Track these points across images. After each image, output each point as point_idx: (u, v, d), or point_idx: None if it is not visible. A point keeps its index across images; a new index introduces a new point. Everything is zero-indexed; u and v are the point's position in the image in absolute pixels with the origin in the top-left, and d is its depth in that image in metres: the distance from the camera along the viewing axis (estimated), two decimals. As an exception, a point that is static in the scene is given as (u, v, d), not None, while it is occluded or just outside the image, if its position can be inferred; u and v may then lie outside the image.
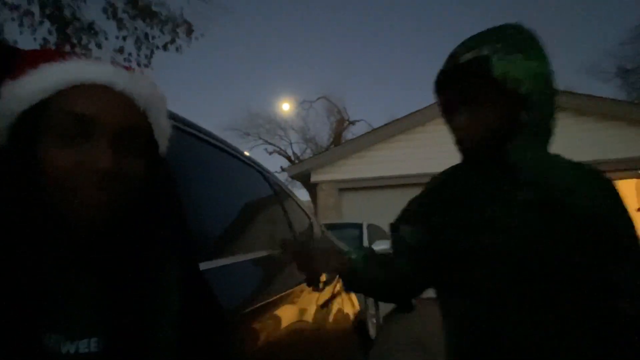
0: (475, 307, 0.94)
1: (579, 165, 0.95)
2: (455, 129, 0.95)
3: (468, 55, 0.89)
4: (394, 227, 1.13)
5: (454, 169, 1.09)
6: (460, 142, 0.95)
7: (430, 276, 1.05)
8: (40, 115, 0.60)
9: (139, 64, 7.43)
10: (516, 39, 0.89)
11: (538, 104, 0.88)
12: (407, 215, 1.12)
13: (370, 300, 5.55)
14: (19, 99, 0.60)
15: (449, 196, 1.03)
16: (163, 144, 0.74)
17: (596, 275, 0.87)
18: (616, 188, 0.92)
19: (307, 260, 1.02)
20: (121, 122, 0.62)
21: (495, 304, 0.91)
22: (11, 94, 0.61)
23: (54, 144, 0.58)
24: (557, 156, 0.97)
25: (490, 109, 0.90)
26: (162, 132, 0.72)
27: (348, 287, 1.09)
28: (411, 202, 1.13)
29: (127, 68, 0.68)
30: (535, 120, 0.89)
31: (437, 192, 1.07)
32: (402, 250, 1.09)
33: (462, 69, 0.90)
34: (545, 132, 0.92)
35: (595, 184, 0.91)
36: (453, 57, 0.92)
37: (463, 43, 0.93)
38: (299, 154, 23.16)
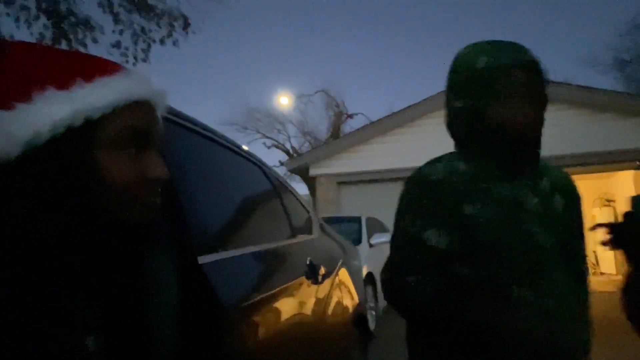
0: (526, 292, 0.96)
1: (559, 168, 1.15)
2: (523, 116, 0.98)
3: (533, 57, 0.99)
4: (413, 239, 1.01)
5: (450, 164, 1.03)
6: (522, 130, 0.98)
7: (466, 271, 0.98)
8: (94, 128, 0.61)
9: (136, 59, 7.39)
10: None
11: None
12: (422, 219, 1.00)
13: (370, 293, 5.57)
14: (76, 111, 0.60)
15: (474, 185, 1.00)
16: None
17: (579, 251, 1.09)
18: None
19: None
20: (160, 132, 0.69)
21: (547, 287, 0.97)
22: (67, 104, 0.60)
23: (116, 156, 0.62)
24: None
25: (545, 107, 1.01)
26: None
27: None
28: (419, 205, 1.02)
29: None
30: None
31: (454, 184, 1.00)
32: (432, 262, 0.99)
33: (538, 66, 0.99)
34: None
35: (572, 181, 1.14)
36: (522, 53, 0.99)
37: (512, 45, 1.00)
38: (297, 148, 23.14)
